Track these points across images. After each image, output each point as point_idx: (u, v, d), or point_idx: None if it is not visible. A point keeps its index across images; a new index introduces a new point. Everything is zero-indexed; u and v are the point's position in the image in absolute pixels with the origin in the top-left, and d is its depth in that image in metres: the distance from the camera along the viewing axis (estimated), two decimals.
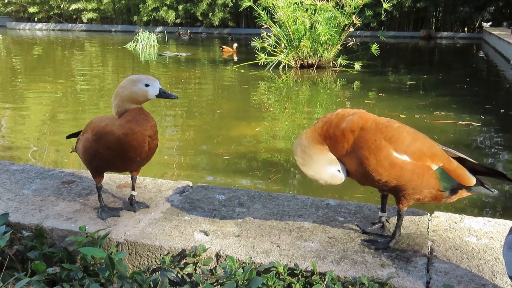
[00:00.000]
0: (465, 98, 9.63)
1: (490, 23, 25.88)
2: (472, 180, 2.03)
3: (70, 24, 34.60)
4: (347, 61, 12.89)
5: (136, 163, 2.23)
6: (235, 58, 13.63)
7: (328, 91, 10.69)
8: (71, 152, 2.66)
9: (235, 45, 13.03)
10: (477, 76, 13.61)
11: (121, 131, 2.10)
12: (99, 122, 2.21)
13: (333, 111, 2.01)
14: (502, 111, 8.40)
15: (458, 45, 24.09)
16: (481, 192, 2.11)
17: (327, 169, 1.99)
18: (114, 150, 2.13)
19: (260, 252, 2.00)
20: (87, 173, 2.85)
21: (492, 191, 2.11)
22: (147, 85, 2.13)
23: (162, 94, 2.16)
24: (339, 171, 2.00)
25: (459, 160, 2.06)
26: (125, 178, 2.82)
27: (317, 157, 1.97)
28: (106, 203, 2.47)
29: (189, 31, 28.04)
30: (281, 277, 1.84)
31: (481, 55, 20.04)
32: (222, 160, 5.38)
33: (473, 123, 7.17)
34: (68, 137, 2.67)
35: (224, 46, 13.16)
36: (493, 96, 10.20)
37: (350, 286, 1.74)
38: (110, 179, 2.83)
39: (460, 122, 7.20)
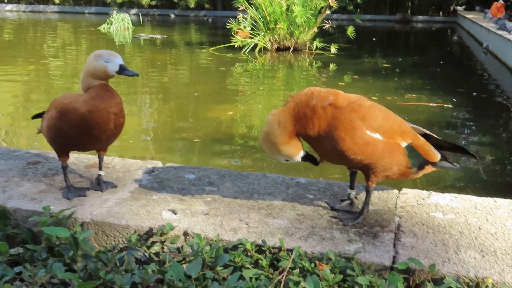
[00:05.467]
0: (438, 81, 9.75)
1: (464, 6, 26.16)
2: (437, 155, 2.06)
3: (42, 6, 33.61)
4: (323, 44, 12.89)
5: (102, 141, 2.18)
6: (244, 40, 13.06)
7: (304, 73, 10.68)
8: (38, 133, 2.59)
9: (248, 28, 12.67)
10: (451, 59, 13.77)
11: (85, 108, 2.05)
12: (63, 100, 2.15)
13: (302, 90, 1.98)
14: (474, 94, 8.53)
15: (433, 28, 24.30)
16: (445, 167, 2.13)
17: (287, 159, 2.02)
18: (78, 127, 2.08)
19: (229, 230, 1.99)
20: (53, 154, 2.78)
21: (455, 166, 2.14)
22: (107, 61, 2.07)
23: (122, 71, 2.09)
24: (299, 159, 2.02)
25: (424, 136, 2.08)
26: (93, 158, 2.77)
27: (282, 146, 1.96)
28: (72, 183, 2.41)
29: (149, 15, 27.21)
30: (249, 254, 1.84)
31: (455, 38, 20.28)
32: (195, 143, 5.34)
33: (445, 105, 7.26)
34: (34, 117, 2.60)
35: (238, 30, 12.75)
36: (466, 79, 10.34)
37: (317, 262, 1.74)
38: (78, 159, 2.78)
39: (431, 104, 7.29)
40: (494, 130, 6.30)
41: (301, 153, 2.01)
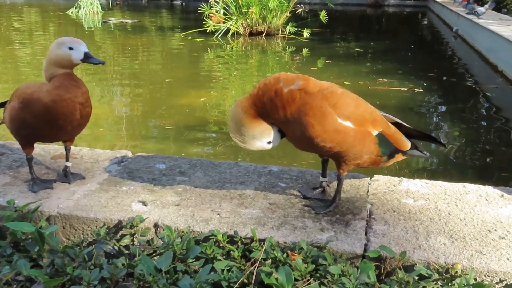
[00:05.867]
0: (409, 65, 9.84)
1: None
2: (408, 144, 2.07)
3: None
4: (296, 29, 12.84)
5: (67, 132, 2.11)
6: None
7: (277, 58, 10.63)
8: (0, 123, 2.50)
9: (222, 11, 12.47)
10: (422, 44, 13.91)
11: (49, 98, 1.97)
12: (26, 89, 2.07)
13: (271, 75, 1.95)
14: (444, 78, 8.64)
15: (404, 13, 24.48)
16: (415, 155, 2.15)
17: (255, 142, 1.98)
18: (42, 118, 2.00)
19: (200, 221, 1.96)
20: (18, 145, 2.68)
21: (424, 154, 2.16)
22: (71, 48, 1.99)
23: (87, 59, 2.02)
24: (269, 142, 1.99)
25: (395, 125, 2.08)
26: (60, 148, 2.69)
27: (245, 129, 1.94)
28: (39, 175, 2.34)
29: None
30: (221, 245, 1.82)
31: (426, 22, 20.48)
32: (168, 130, 5.27)
33: (416, 90, 7.34)
34: None
35: (211, 14, 12.53)
36: (436, 64, 10.46)
37: (289, 252, 1.73)
38: (44, 150, 2.70)
39: (403, 89, 7.36)
40: (464, 114, 6.40)
41: (270, 136, 1.98)
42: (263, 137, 1.97)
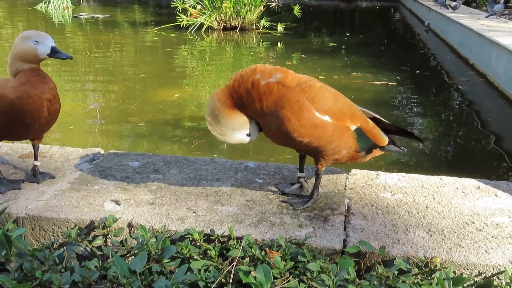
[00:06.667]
0: (382, 59, 9.93)
1: None
2: (385, 139, 2.05)
3: None
4: (270, 23, 12.82)
5: (35, 130, 2.02)
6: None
7: (252, 53, 10.59)
8: None
9: (199, 6, 12.36)
10: (394, 38, 14.07)
11: (14, 94, 1.89)
12: None
13: (247, 67, 1.91)
14: (417, 72, 8.74)
15: (377, 7, 24.73)
16: (393, 150, 2.14)
17: (235, 134, 1.93)
18: (8, 116, 1.91)
19: (175, 220, 1.91)
20: None
21: (402, 150, 2.15)
22: (37, 43, 1.90)
23: (54, 53, 1.94)
24: (248, 134, 1.94)
25: (373, 120, 2.06)
26: (28, 147, 2.59)
27: (225, 120, 1.89)
28: (5, 175, 2.25)
29: None
30: (197, 244, 1.77)
31: (398, 17, 20.71)
32: (141, 127, 5.17)
33: (389, 83, 7.40)
34: None
35: (192, 11, 12.42)
36: (409, 57, 10.59)
37: (267, 249, 1.70)
38: (12, 148, 2.59)
39: (376, 83, 7.41)
40: (436, 107, 6.49)
41: (248, 129, 1.94)
42: (242, 129, 1.93)
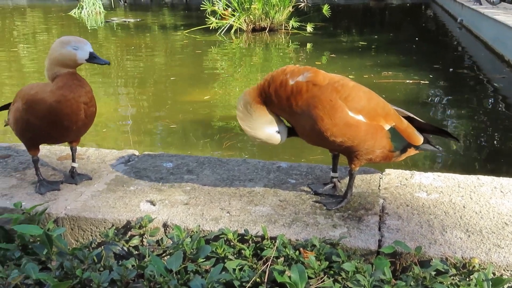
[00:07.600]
0: (414, 58, 9.76)
1: None
2: (420, 139, 2.02)
3: None
4: (299, 23, 12.76)
5: (72, 133, 2.08)
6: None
7: (281, 54, 10.57)
8: (5, 125, 2.47)
9: (230, 9, 12.61)
10: (426, 36, 13.80)
11: (53, 98, 1.94)
12: (29, 90, 2.04)
13: (278, 68, 1.91)
14: (450, 69, 8.55)
15: (407, 4, 24.31)
16: (428, 149, 2.10)
17: (265, 129, 1.93)
18: (47, 119, 1.97)
19: (210, 220, 1.93)
20: (24, 147, 2.66)
21: (437, 148, 2.11)
22: (76, 48, 1.96)
23: (92, 59, 1.99)
24: (278, 132, 1.95)
25: (408, 119, 2.03)
26: (66, 149, 2.66)
27: (256, 115, 1.91)
28: (45, 176, 2.32)
29: None
30: (231, 244, 1.78)
31: (429, 14, 20.33)
32: (172, 129, 5.24)
33: (421, 82, 7.26)
34: (0, 109, 2.47)
35: (224, 13, 12.70)
36: (441, 55, 10.36)
37: (301, 249, 1.70)
38: (50, 151, 2.67)
39: (408, 81, 7.29)
40: (472, 105, 6.33)
41: (277, 127, 1.94)
42: (272, 125, 1.93)
